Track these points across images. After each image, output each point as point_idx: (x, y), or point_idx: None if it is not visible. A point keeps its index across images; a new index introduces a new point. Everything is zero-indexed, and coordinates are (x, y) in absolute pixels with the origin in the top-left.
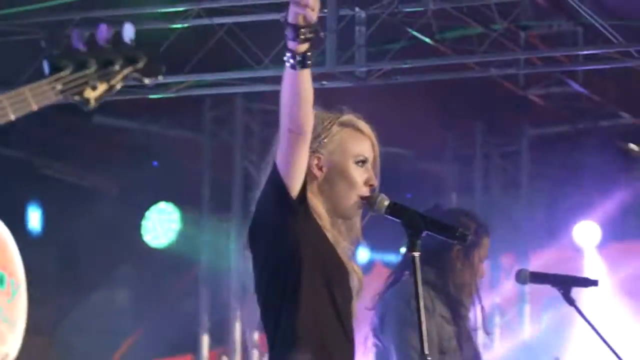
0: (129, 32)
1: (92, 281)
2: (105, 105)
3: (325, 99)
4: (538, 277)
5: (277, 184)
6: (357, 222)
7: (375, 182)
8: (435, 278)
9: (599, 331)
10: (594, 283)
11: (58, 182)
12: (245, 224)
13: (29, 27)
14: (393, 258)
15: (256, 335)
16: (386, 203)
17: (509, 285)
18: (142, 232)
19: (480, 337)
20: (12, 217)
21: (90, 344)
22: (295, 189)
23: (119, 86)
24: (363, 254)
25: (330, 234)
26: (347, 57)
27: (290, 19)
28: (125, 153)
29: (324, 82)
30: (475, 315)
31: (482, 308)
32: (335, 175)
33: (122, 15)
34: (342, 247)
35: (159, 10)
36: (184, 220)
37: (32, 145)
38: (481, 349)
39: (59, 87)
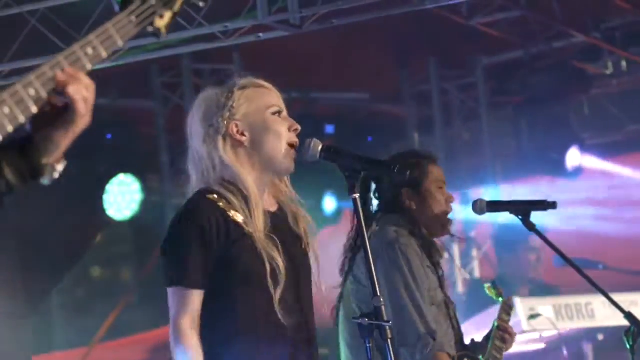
0: None
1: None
2: None
3: (276, 50)
4: (495, 206)
5: None
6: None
7: (299, 127)
8: (406, 222)
9: (563, 253)
10: (553, 205)
11: None
12: None
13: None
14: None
15: None
16: (320, 147)
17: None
18: (105, 206)
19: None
20: None
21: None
22: None
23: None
24: (331, 203)
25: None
26: (279, 7)
27: None
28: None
29: (260, 35)
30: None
31: (460, 239)
32: (259, 132)
33: None
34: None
35: None
36: (146, 189)
37: None
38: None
39: (134, 19)
